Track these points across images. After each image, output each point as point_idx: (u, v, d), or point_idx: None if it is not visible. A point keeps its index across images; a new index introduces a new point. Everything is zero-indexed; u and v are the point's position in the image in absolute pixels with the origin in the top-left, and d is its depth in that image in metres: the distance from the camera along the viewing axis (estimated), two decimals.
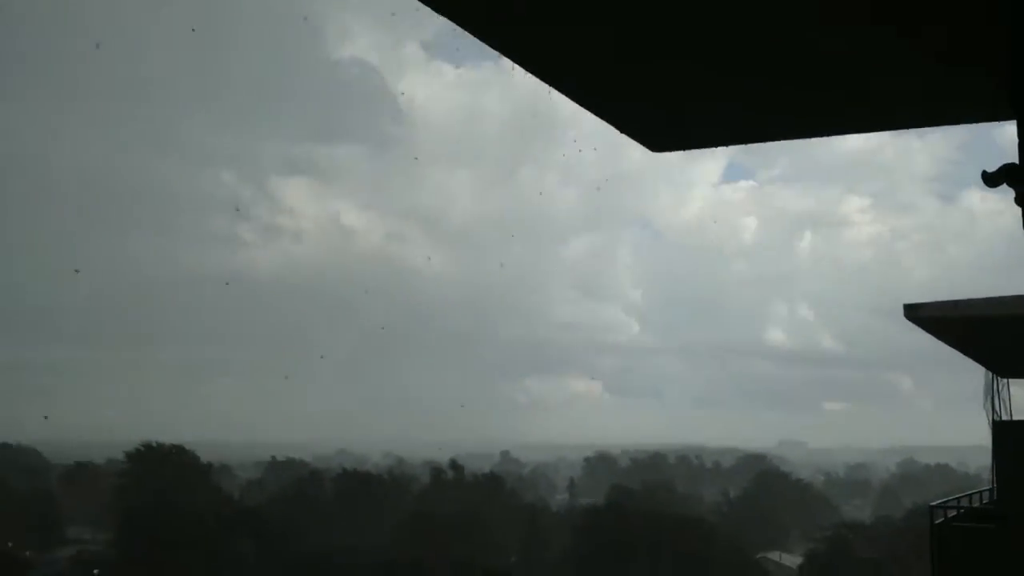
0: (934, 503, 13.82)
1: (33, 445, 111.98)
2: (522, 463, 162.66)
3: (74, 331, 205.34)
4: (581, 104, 3.62)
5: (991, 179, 3.41)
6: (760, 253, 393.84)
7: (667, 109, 3.67)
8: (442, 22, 3.25)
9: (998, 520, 12.88)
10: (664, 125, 3.84)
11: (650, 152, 4.12)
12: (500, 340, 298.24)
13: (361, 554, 64.96)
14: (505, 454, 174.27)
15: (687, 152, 4.42)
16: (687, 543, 68.67)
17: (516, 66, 3.38)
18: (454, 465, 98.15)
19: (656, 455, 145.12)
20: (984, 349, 14.52)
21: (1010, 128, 3.45)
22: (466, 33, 3.19)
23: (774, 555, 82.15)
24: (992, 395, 15.58)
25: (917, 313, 11.88)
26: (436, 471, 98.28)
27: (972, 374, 15.63)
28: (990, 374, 15.73)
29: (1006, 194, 3.49)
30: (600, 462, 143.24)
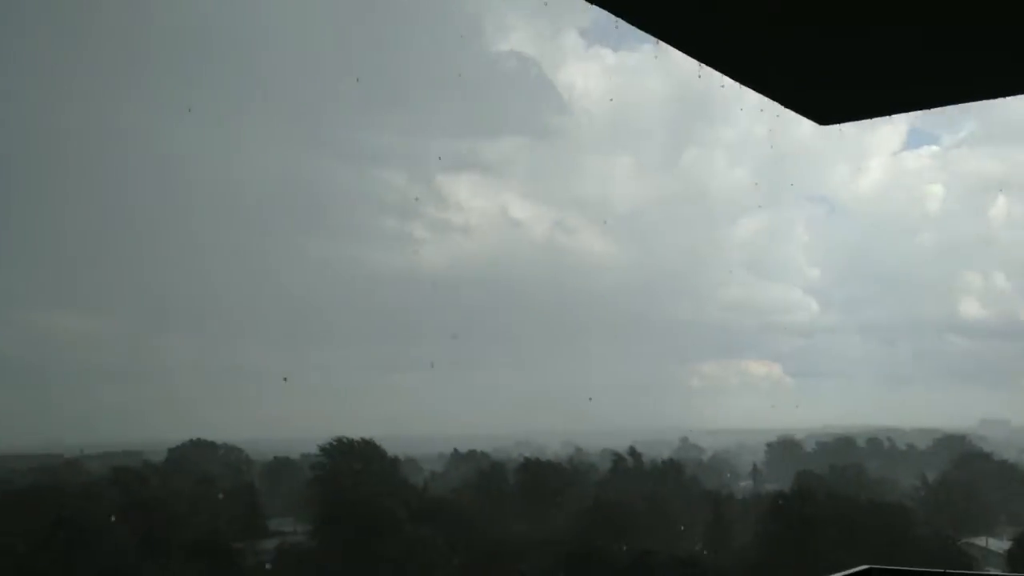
0: None
1: (235, 443, 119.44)
2: (702, 449, 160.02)
3: (264, 333, 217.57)
4: (743, 82, 3.55)
5: None
6: (948, 222, 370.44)
7: (832, 81, 3.54)
8: (599, 8, 3.27)
9: None
10: (830, 97, 3.70)
11: (820, 125, 3.99)
12: (672, 324, 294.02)
13: (543, 544, 65.84)
14: (684, 440, 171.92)
15: (861, 122, 4.25)
16: (883, 529, 65.77)
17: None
18: (633, 452, 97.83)
19: (844, 438, 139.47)
20: None
21: None
22: None
23: (980, 541, 77.66)
24: None
25: None
26: (615, 459, 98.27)
27: None
28: None
29: None
30: (784, 447, 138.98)
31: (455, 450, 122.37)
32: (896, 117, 4.18)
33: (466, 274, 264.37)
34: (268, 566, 67.59)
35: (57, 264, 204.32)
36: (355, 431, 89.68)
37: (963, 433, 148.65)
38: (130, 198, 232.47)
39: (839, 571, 7.79)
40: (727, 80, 3.74)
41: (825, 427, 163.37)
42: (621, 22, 3.22)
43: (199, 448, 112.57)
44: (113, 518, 66.63)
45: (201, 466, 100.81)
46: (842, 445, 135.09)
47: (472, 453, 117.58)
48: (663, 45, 3.51)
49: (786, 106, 3.70)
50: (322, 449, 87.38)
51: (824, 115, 3.85)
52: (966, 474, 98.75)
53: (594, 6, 3.14)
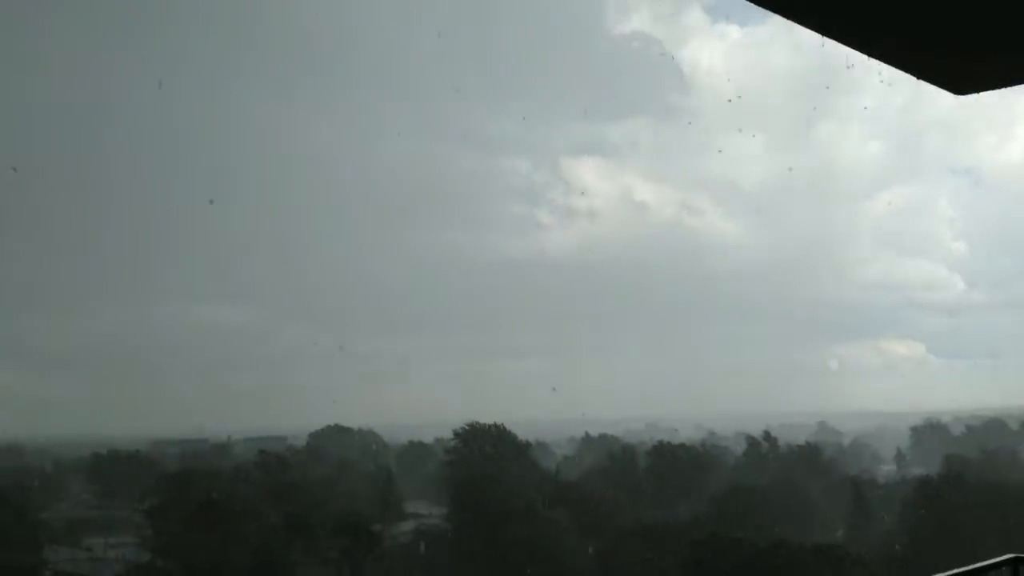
0: None
1: (372, 428, 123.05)
2: (841, 433, 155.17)
3: (397, 320, 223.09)
4: (872, 55, 3.43)
5: None
6: None
7: (964, 49, 3.37)
8: None
9: None
10: (964, 67, 3.53)
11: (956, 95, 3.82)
12: (806, 304, 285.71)
13: (677, 529, 65.26)
14: (822, 424, 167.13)
15: (1005, 90, 4.03)
16: None
17: None
18: (768, 436, 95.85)
19: (995, 421, 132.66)
20: None
21: None
22: None
23: None
24: None
25: None
26: (751, 442, 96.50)
27: None
28: None
29: None
30: (929, 430, 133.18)
31: (586, 434, 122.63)
32: None
33: (593, 258, 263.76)
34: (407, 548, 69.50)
35: (207, 260, 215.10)
36: (486, 415, 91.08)
37: None
38: (269, 196, 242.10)
39: (985, 559, 7.47)
40: (857, 54, 3.63)
41: (975, 409, 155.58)
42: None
43: (338, 433, 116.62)
44: (257, 500, 69.82)
45: (340, 450, 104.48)
46: (993, 428, 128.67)
47: (603, 437, 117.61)
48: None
49: (919, 77, 3.55)
50: (456, 433, 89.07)
51: (959, 85, 3.68)
52: None
53: None
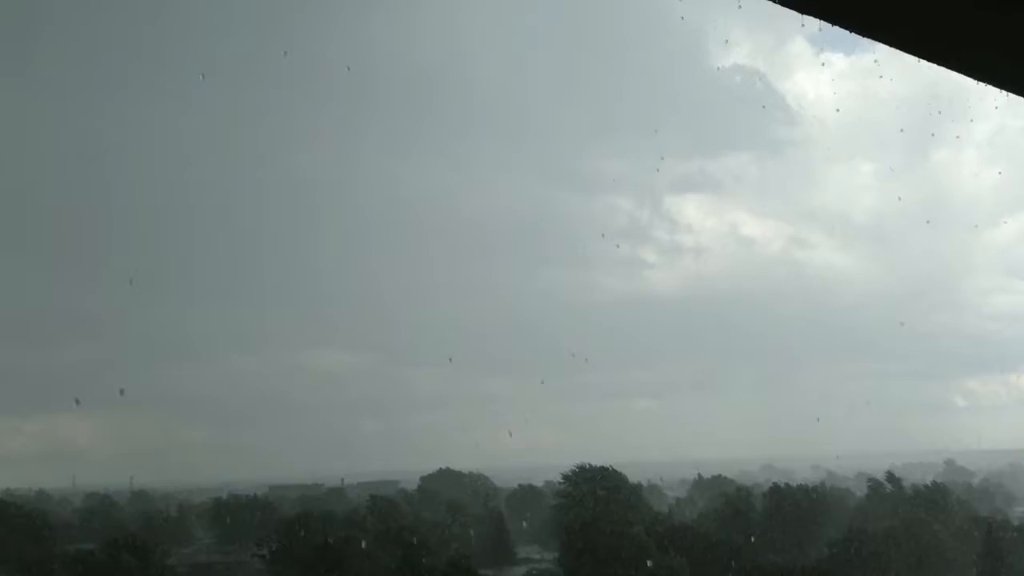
0: None
1: (481, 471, 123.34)
2: (970, 472, 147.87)
3: (503, 362, 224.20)
4: (980, 79, 3.30)
5: None
6: None
7: None
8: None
9: None
10: None
11: None
12: (928, 338, 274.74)
13: (796, 572, 63.08)
14: (949, 463, 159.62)
15: None
16: None
17: None
18: (891, 477, 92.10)
19: None
20: None
21: None
22: None
23: None
24: None
25: None
26: (872, 484, 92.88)
27: None
28: None
29: None
30: None
31: (699, 475, 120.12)
32: None
33: (700, 295, 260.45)
34: None
35: (317, 306, 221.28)
36: (594, 457, 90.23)
37: None
38: (373, 241, 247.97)
39: None
40: (970, 80, 3.50)
41: None
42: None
43: (448, 476, 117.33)
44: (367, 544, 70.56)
45: (450, 493, 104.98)
46: None
47: (716, 478, 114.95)
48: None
49: None
50: (565, 477, 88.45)
51: None
52: None
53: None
